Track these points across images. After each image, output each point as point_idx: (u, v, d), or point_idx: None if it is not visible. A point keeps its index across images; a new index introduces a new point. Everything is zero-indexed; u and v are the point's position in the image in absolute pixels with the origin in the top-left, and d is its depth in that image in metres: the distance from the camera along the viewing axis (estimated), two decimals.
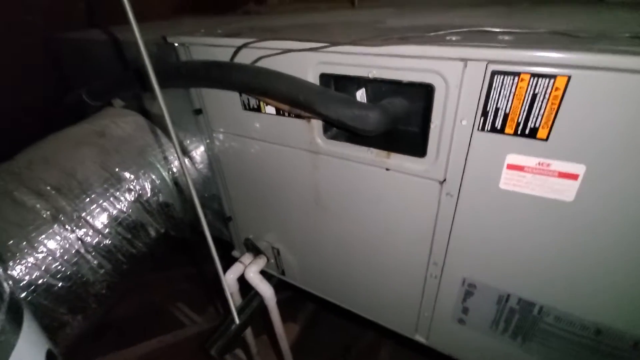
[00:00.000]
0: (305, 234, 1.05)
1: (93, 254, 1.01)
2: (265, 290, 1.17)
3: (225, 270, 1.16)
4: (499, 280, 0.75)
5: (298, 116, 0.83)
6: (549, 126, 0.55)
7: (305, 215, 1.00)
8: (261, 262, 1.20)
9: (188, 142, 1.21)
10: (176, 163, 1.18)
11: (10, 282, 0.53)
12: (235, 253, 1.35)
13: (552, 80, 0.53)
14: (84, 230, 0.99)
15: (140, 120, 1.21)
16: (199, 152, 1.22)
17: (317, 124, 0.83)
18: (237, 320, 1.12)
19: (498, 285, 0.76)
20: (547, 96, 0.54)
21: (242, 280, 1.23)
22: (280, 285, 1.27)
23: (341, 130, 0.82)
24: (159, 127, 1.20)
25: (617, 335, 0.67)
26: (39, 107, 1.75)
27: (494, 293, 0.77)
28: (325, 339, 1.82)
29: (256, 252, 1.23)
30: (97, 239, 1.01)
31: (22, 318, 0.44)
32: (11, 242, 0.93)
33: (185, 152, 1.20)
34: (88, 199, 1.01)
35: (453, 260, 0.79)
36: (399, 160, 0.75)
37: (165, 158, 1.17)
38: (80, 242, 0.99)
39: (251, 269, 1.18)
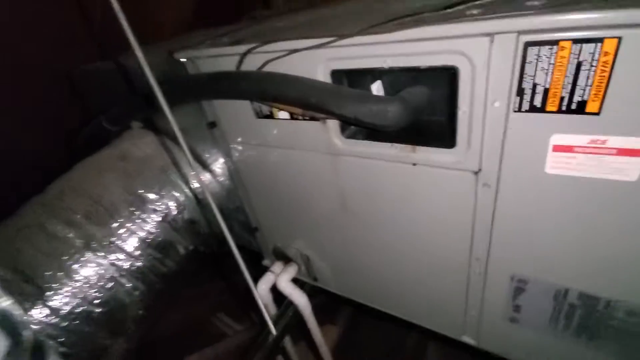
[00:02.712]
0: (334, 239, 1.01)
1: (127, 277, 1.02)
2: (299, 298, 1.14)
3: (256, 280, 1.15)
4: (553, 274, 0.67)
5: (313, 118, 0.78)
6: (601, 97, 0.48)
7: (332, 220, 0.96)
8: (292, 270, 1.17)
9: (207, 155, 1.20)
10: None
11: (36, 327, 0.53)
12: (265, 262, 1.33)
13: (599, 45, 0.45)
14: (115, 255, 1.01)
15: (159, 139, 1.21)
16: (219, 165, 1.20)
17: (333, 124, 0.78)
18: (273, 332, 1.10)
19: (553, 279, 0.68)
20: (594, 63, 0.46)
21: (276, 289, 1.21)
22: (316, 289, 1.24)
23: (360, 127, 0.77)
24: (177, 144, 1.20)
25: None
26: (65, 139, 1.82)
27: (549, 288, 0.69)
28: (367, 341, 1.77)
29: (286, 260, 1.21)
30: (129, 262, 1.02)
31: None
32: (49, 273, 0.96)
33: (206, 166, 1.19)
34: (116, 224, 1.02)
35: (498, 255, 0.72)
36: (426, 154, 0.69)
37: (187, 174, 1.16)
38: (113, 266, 1.00)
39: (282, 277, 1.16)
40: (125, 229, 1.03)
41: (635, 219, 0.54)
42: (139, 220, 1.05)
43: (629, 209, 0.54)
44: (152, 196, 1.08)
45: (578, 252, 0.62)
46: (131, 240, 1.03)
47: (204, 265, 1.91)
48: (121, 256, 1.01)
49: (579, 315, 0.69)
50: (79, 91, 1.77)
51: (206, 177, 1.17)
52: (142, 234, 1.05)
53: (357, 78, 0.73)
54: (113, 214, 1.03)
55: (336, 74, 0.70)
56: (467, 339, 0.91)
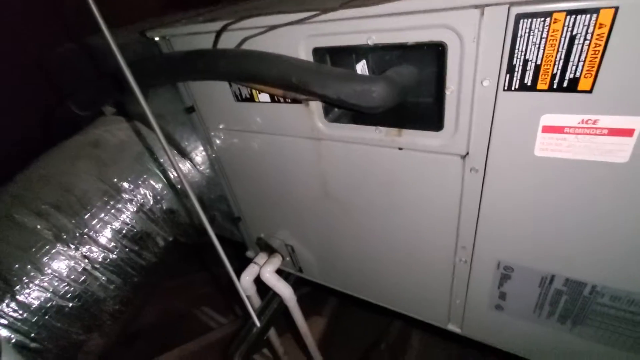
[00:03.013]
0: (319, 229, 0.98)
1: (101, 270, 0.97)
2: (283, 290, 1.11)
3: (240, 272, 1.11)
4: (540, 261, 0.66)
5: (295, 100, 0.74)
6: (594, 74, 0.45)
7: (316, 208, 0.93)
8: (276, 261, 1.14)
9: (186, 143, 1.15)
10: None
11: (5, 321, 0.48)
12: (249, 253, 1.29)
13: (594, 16, 0.42)
14: (87, 246, 0.95)
15: (134, 125, 1.15)
16: (199, 153, 1.15)
17: (316, 107, 0.74)
18: (257, 324, 1.07)
19: (539, 266, 0.67)
20: (589, 37, 0.44)
21: (260, 281, 1.18)
22: (300, 280, 1.21)
23: (344, 110, 0.74)
24: (154, 131, 1.15)
25: None
26: (41, 125, 1.73)
27: (535, 275, 0.68)
28: (352, 331, 1.76)
29: (270, 251, 1.17)
30: (102, 255, 0.97)
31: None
32: (17, 266, 0.90)
33: (185, 154, 1.14)
34: (88, 214, 0.97)
35: (484, 243, 0.70)
36: (412, 137, 0.66)
37: (164, 162, 1.11)
38: (86, 259, 0.95)
39: (266, 269, 1.12)
40: (98, 220, 0.98)
41: (626, 203, 0.52)
42: (114, 211, 1.00)
43: (619, 193, 0.52)
44: (127, 185, 1.02)
45: (566, 237, 0.60)
46: (105, 231, 0.98)
47: (186, 256, 1.87)
48: (94, 248, 0.96)
49: (564, 301, 0.68)
50: (53, 75, 1.67)
51: (185, 165, 1.12)
52: (117, 224, 1.00)
53: (341, 57, 0.69)
54: (85, 204, 0.98)
55: (319, 52, 0.66)
56: (452, 327, 0.90)
